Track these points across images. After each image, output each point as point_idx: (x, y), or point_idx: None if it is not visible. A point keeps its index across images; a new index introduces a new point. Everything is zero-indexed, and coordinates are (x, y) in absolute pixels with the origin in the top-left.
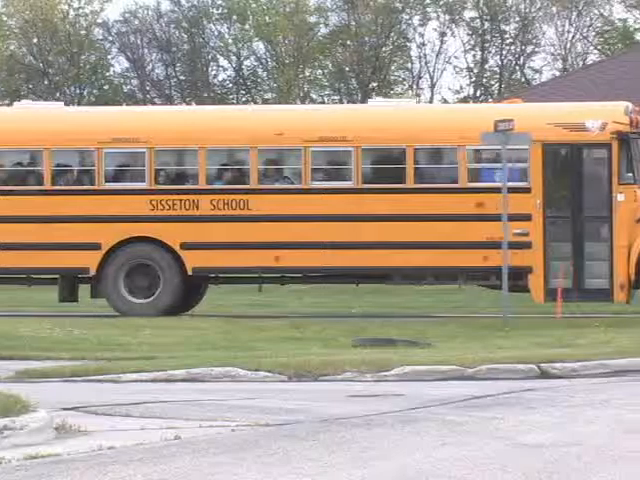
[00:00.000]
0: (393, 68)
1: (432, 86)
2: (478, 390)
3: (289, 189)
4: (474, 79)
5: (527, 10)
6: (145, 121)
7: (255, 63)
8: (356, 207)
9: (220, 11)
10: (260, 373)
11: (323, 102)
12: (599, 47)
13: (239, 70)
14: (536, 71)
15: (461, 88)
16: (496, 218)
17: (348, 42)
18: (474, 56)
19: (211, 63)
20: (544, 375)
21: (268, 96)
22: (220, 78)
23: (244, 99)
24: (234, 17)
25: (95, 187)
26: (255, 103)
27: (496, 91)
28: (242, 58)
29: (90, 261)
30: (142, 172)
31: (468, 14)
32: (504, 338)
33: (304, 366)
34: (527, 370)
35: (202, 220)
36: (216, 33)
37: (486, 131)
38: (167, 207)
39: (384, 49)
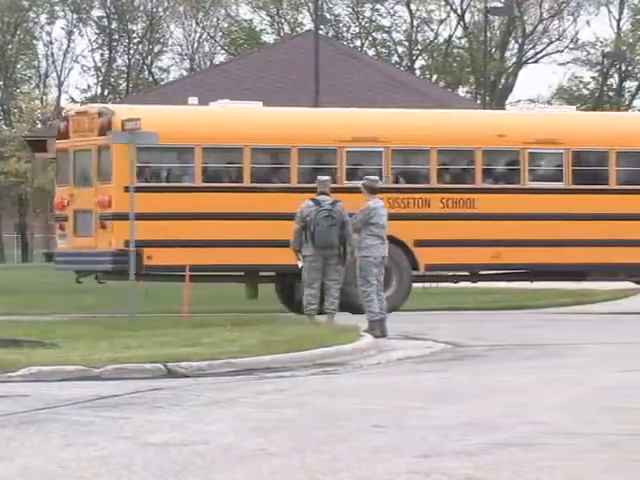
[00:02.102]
0: (19, 66)
1: (59, 85)
2: (105, 390)
3: (509, 189)
4: (102, 78)
5: (154, 10)
6: (384, 121)
7: None
8: (566, 207)
9: None
10: None
11: None
12: (226, 47)
13: None
14: (164, 70)
15: (89, 87)
16: None
17: None
18: (102, 55)
19: None
20: (171, 374)
21: None
22: None
23: None
24: None
25: (338, 185)
26: None
27: (124, 90)
28: None
29: None
30: (379, 171)
31: (96, 13)
32: (132, 338)
33: None
34: (154, 369)
35: (433, 218)
36: None
37: (115, 130)
38: (402, 205)
39: (10, 47)
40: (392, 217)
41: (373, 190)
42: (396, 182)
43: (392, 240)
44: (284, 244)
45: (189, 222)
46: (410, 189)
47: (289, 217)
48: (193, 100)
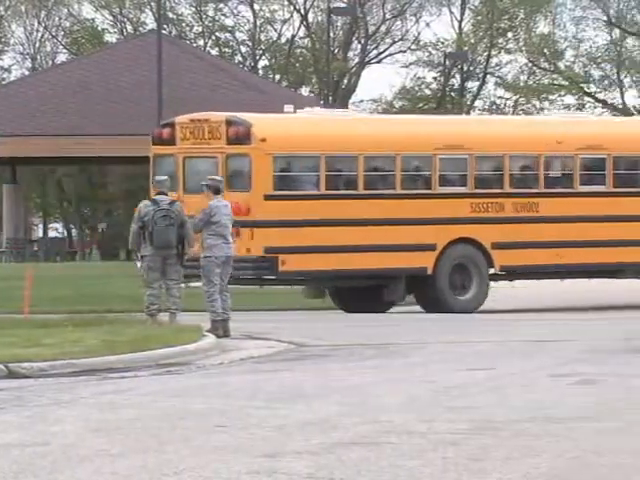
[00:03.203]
0: None
1: None
2: None
3: (566, 192)
4: None
5: None
6: (468, 128)
7: None
8: (608, 209)
9: None
10: None
11: None
12: (68, 46)
13: None
14: (5, 70)
15: None
16: None
17: None
18: None
19: None
20: (12, 375)
21: None
22: None
23: None
24: None
25: (432, 191)
26: None
27: None
28: None
29: (427, 261)
30: (464, 177)
31: None
32: None
33: None
34: None
35: (507, 221)
36: None
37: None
38: (482, 210)
39: None
40: (474, 221)
41: (218, 190)
42: (477, 187)
43: (473, 242)
44: (396, 249)
45: (315, 228)
46: (488, 194)
47: (402, 222)
48: (289, 108)
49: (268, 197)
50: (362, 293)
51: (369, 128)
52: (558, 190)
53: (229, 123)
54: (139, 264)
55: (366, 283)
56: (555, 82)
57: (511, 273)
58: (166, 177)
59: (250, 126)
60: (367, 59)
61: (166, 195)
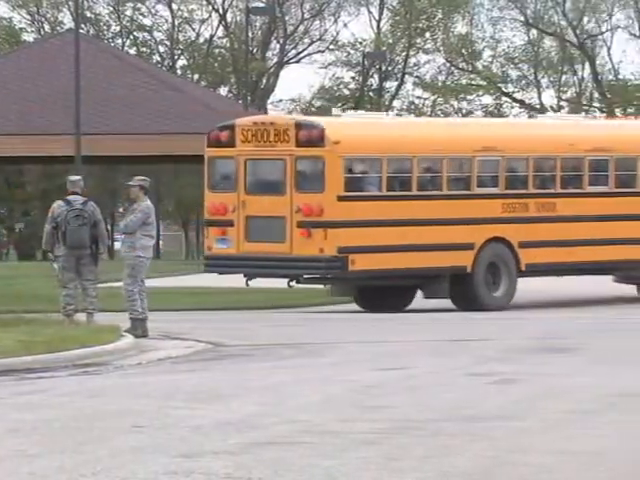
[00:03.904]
0: None
1: None
2: None
3: (577, 193)
4: None
5: None
6: (500, 131)
7: None
8: (610, 208)
9: None
10: None
11: None
12: None
13: None
14: None
15: None
16: None
17: None
18: None
19: None
20: None
21: None
22: None
23: None
24: None
25: (470, 192)
26: None
27: None
28: None
29: (467, 260)
30: (495, 178)
31: None
32: None
33: None
34: None
35: (532, 221)
36: None
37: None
38: (510, 209)
39: None
40: (504, 221)
41: (147, 191)
42: (507, 188)
43: (503, 241)
44: (445, 248)
45: (383, 228)
46: (516, 194)
47: (452, 222)
48: (337, 111)
49: (341, 198)
50: (386, 293)
51: (426, 132)
52: (572, 190)
53: (299, 126)
54: (55, 265)
55: (411, 282)
56: (473, 82)
57: (535, 271)
58: (79, 177)
59: (323, 129)
60: (286, 59)
61: (79, 195)
